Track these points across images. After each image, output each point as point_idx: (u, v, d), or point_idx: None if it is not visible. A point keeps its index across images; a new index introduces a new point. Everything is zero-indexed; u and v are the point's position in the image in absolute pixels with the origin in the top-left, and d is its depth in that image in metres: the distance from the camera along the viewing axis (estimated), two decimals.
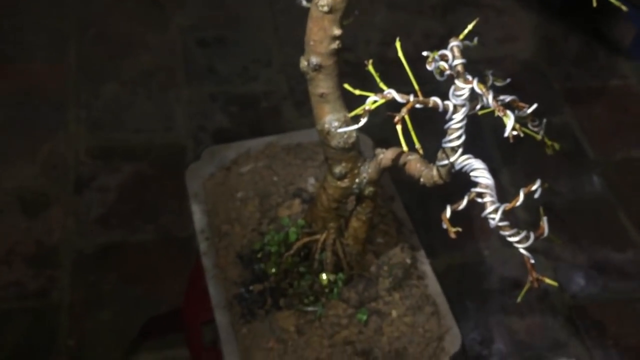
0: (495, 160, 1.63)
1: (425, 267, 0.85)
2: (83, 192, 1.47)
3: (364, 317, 0.75)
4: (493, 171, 0.56)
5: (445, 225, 0.52)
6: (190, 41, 1.81)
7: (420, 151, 0.61)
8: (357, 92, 0.58)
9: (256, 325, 0.77)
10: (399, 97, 0.55)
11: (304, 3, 0.75)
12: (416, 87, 0.56)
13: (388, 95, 0.55)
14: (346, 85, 0.60)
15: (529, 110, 0.55)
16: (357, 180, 0.67)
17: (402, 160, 0.63)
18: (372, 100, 0.54)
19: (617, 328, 1.38)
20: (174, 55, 1.77)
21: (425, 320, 0.78)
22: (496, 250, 1.46)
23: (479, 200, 0.53)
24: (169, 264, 1.39)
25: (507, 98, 0.54)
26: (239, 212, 0.86)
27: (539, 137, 0.57)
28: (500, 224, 0.52)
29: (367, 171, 0.67)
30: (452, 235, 0.52)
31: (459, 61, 0.53)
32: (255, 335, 0.76)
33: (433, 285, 0.83)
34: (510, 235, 0.53)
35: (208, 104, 1.67)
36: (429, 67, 0.54)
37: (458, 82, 0.54)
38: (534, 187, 0.53)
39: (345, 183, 0.67)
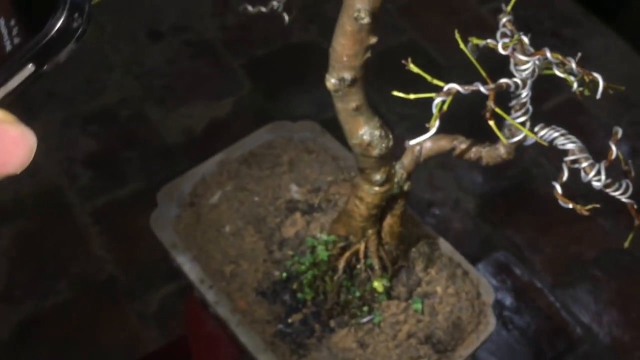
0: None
1: (428, 229, 0.85)
2: None
3: (419, 305, 0.74)
4: None
5: (567, 204, 0.52)
6: None
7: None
8: (412, 96, 0.54)
9: (314, 356, 0.73)
10: (463, 90, 0.52)
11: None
12: (483, 74, 0.54)
13: (452, 90, 0.52)
14: (396, 92, 0.56)
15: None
16: (396, 180, 0.64)
17: (451, 146, 0.62)
18: (441, 101, 0.51)
19: None
20: None
21: (462, 284, 0.78)
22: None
23: (576, 166, 0.53)
24: (99, 315, 1.27)
25: (572, 62, 0.53)
26: (239, 247, 0.79)
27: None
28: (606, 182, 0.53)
29: (404, 166, 0.64)
30: (585, 213, 0.52)
31: (517, 35, 0.52)
32: None
33: (444, 244, 0.83)
34: (614, 191, 0.54)
35: (64, 132, 1.49)
36: (502, 51, 0.52)
37: (520, 56, 0.52)
38: (618, 135, 0.54)
39: (385, 187, 0.64)
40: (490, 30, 0.56)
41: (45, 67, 0.27)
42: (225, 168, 0.88)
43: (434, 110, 0.52)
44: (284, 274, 0.75)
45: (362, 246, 0.69)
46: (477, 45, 0.56)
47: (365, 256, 0.70)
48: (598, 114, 1.67)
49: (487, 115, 0.50)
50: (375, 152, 0.59)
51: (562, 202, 0.52)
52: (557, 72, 0.53)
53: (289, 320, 0.75)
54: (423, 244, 0.78)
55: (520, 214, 1.49)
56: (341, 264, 0.70)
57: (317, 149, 0.89)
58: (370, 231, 0.68)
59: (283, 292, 0.76)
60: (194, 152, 1.47)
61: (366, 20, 0.51)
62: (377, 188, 0.63)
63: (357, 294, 0.71)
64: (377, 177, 0.62)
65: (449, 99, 0.52)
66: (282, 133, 0.91)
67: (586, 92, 0.54)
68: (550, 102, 1.64)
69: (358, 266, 0.71)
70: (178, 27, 1.70)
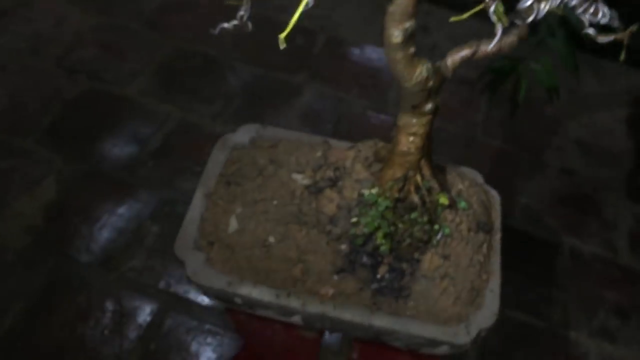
0: None
1: None
2: None
3: (463, 203, 0.84)
4: None
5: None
6: None
7: None
8: (466, 14, 0.64)
9: (416, 289, 0.81)
10: None
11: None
12: None
13: None
14: (454, 18, 0.65)
15: None
16: (434, 102, 0.73)
17: (475, 49, 0.72)
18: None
19: None
20: None
21: (467, 176, 0.92)
22: None
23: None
24: None
25: None
26: (295, 247, 0.82)
27: None
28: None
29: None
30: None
31: None
32: (423, 297, 0.81)
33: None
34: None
35: None
36: None
37: None
38: None
39: (434, 114, 0.73)
40: None
41: None
42: (215, 197, 0.88)
43: (493, 18, 0.63)
44: (359, 240, 0.80)
45: (417, 176, 0.78)
46: None
47: (418, 187, 0.78)
48: None
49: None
50: (431, 83, 0.68)
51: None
52: None
53: (378, 276, 0.81)
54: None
55: None
56: (409, 200, 0.78)
57: (278, 140, 0.94)
58: (422, 159, 0.77)
59: (359, 257, 0.81)
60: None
61: None
62: (429, 116, 0.72)
63: (425, 218, 0.80)
64: (429, 106, 0.71)
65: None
66: (232, 145, 0.93)
67: None
68: None
69: (418, 195, 0.79)
70: None
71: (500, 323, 0.83)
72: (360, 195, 0.80)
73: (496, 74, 1.44)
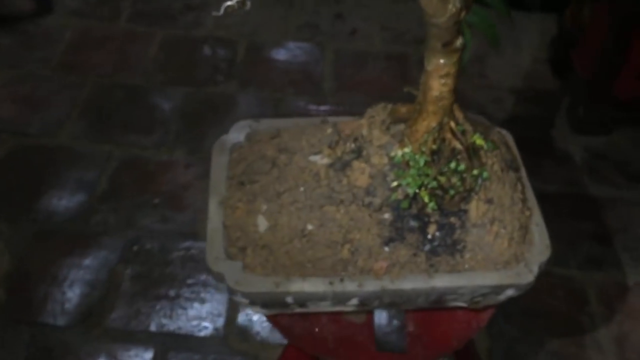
0: None
1: None
2: None
3: (490, 144, 0.81)
4: None
5: None
6: None
7: None
8: None
9: (470, 239, 0.77)
10: None
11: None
12: None
13: None
14: None
15: None
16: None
17: None
18: None
19: None
20: None
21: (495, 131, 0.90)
22: None
23: None
24: None
25: None
26: (338, 228, 0.76)
27: None
28: None
29: None
30: None
31: None
32: (478, 246, 0.78)
33: None
34: None
35: None
36: None
37: None
38: None
39: (461, 45, 0.69)
40: None
41: None
42: (232, 202, 0.81)
43: None
44: (404, 203, 0.76)
45: (451, 122, 0.74)
46: None
47: (453, 135, 0.75)
48: None
49: None
50: (463, 14, 0.66)
51: None
52: None
53: (429, 237, 0.77)
54: None
55: None
56: (446, 150, 0.75)
57: (277, 130, 0.88)
58: (442, 109, 0.74)
59: (405, 223, 0.77)
60: None
61: None
62: (458, 54, 0.69)
63: (464, 165, 0.76)
64: (459, 41, 0.68)
65: None
66: (229, 146, 0.88)
67: None
68: None
69: (458, 141, 0.75)
70: None
71: None
72: (391, 158, 0.76)
73: None
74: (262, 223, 0.78)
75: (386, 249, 0.76)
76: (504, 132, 0.90)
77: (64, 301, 1.38)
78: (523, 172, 0.86)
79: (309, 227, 0.77)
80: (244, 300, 0.76)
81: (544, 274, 1.60)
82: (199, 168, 1.64)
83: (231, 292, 0.75)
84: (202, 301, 1.40)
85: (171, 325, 1.36)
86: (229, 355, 1.34)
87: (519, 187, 0.82)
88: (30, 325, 1.34)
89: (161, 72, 1.88)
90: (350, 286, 0.75)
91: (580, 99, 1.82)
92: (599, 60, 1.71)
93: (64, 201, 1.55)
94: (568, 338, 1.43)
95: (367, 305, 0.79)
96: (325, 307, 0.78)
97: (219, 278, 0.76)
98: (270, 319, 0.83)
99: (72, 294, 1.39)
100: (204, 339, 1.36)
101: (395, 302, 0.78)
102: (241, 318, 1.39)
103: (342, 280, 0.75)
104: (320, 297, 0.76)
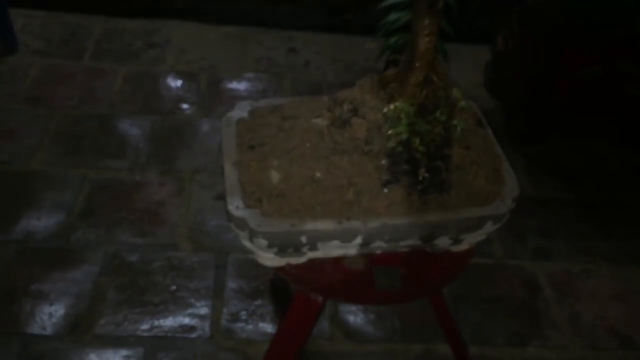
0: None
1: None
2: None
3: (464, 103, 0.93)
4: None
5: None
6: None
7: None
8: None
9: (455, 179, 0.90)
10: None
11: None
12: None
13: None
14: None
15: None
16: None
17: None
18: None
19: None
20: None
21: None
22: None
23: None
24: None
25: None
26: (343, 173, 0.87)
27: None
28: None
29: None
30: None
31: None
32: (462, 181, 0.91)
33: None
34: None
35: None
36: None
37: None
38: None
39: (442, 5, 0.83)
40: None
41: None
42: (246, 162, 0.91)
43: None
44: (399, 148, 0.88)
45: (434, 77, 0.87)
46: None
47: (432, 83, 0.88)
48: None
49: None
50: None
51: None
52: None
53: (420, 179, 0.89)
54: None
55: None
56: (431, 102, 0.88)
57: (277, 105, 1.00)
58: (436, 59, 0.87)
59: (399, 167, 0.88)
60: None
61: None
62: (441, 14, 0.83)
63: (444, 117, 0.90)
64: (441, 3, 0.82)
65: None
66: (235, 121, 0.98)
67: None
68: None
69: (441, 93, 0.88)
70: None
71: None
72: (385, 114, 0.88)
73: (394, 50, 1.60)
74: (275, 176, 0.89)
75: (385, 190, 0.88)
76: (471, 102, 1.04)
77: (52, 312, 1.41)
78: (490, 131, 1.00)
79: (318, 174, 0.88)
80: (264, 242, 0.85)
81: (500, 267, 1.73)
82: (173, 186, 1.72)
83: (252, 234, 0.85)
84: (188, 306, 1.46)
85: (159, 328, 1.41)
86: (217, 352, 1.40)
87: (489, 140, 0.96)
88: (20, 337, 1.36)
89: (128, 103, 1.97)
90: (356, 224, 0.86)
91: (517, 114, 2.02)
92: (532, 76, 1.92)
93: (43, 221, 1.60)
94: (527, 320, 1.56)
95: (369, 245, 0.90)
96: (334, 248, 0.89)
97: (241, 224, 0.85)
98: (280, 271, 0.93)
99: (59, 306, 1.43)
100: (192, 339, 1.41)
101: (393, 238, 0.89)
102: (226, 318, 1.46)
103: (349, 219, 0.86)
104: (330, 236, 0.86)
